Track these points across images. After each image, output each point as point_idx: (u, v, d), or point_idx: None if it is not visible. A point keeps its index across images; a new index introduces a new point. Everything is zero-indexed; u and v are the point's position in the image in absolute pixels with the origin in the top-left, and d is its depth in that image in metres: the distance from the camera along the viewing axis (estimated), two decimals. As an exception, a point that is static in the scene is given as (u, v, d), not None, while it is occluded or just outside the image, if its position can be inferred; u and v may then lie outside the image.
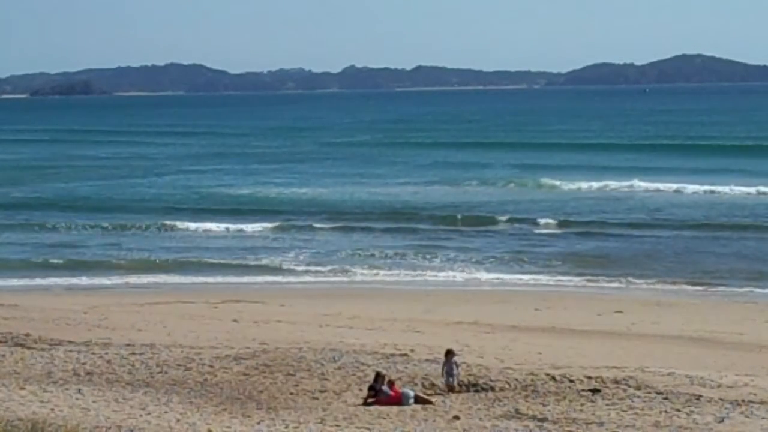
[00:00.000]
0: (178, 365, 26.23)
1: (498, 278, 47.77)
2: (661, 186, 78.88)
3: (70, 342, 29.48)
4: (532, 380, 24.91)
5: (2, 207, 73.38)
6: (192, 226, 63.97)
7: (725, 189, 75.80)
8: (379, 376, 24.07)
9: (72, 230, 62.88)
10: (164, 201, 77.36)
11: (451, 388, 24.54)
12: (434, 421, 21.96)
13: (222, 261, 52.81)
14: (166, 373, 25.68)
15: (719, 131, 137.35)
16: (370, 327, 34.71)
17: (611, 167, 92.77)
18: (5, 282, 47.92)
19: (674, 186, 78.41)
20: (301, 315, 37.31)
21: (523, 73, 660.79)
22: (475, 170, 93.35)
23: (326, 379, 24.93)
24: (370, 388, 23.76)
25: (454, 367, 24.71)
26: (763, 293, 43.56)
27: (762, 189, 75.08)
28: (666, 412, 22.48)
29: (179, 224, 64.51)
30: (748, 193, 74.57)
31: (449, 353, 24.91)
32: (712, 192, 75.42)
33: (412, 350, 28.86)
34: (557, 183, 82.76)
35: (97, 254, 55.36)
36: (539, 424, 21.57)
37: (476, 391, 24.49)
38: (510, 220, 63.81)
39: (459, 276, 48.50)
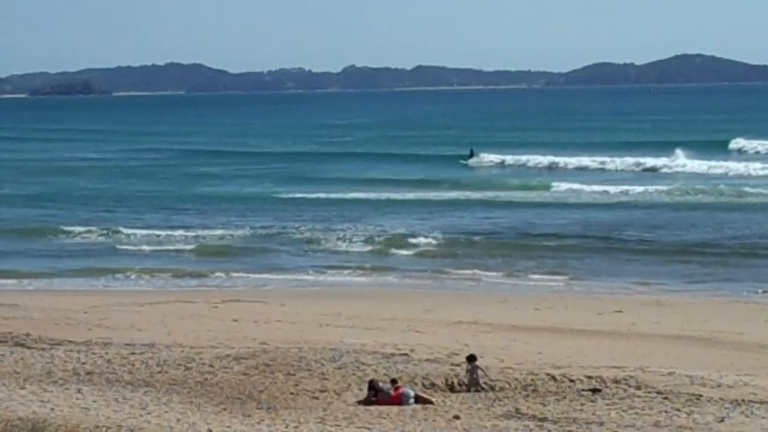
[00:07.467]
0: (178, 365, 26.23)
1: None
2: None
3: (70, 342, 29.48)
4: (532, 380, 24.92)
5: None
6: (191, 225, 64.08)
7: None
8: (372, 383, 23.92)
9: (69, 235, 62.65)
10: (165, 200, 77.52)
11: (491, 388, 24.40)
12: (434, 421, 21.96)
13: (222, 260, 52.83)
14: (166, 372, 25.68)
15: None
16: (370, 327, 34.69)
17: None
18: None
19: None
20: (301, 315, 37.27)
21: (523, 73, 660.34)
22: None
23: (326, 379, 24.93)
24: (371, 387, 23.75)
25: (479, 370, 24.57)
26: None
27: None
28: (666, 411, 22.48)
29: (179, 225, 64.58)
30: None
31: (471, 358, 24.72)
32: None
33: (412, 350, 28.88)
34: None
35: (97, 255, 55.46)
36: (539, 423, 21.57)
37: (476, 391, 24.50)
38: None
39: None
